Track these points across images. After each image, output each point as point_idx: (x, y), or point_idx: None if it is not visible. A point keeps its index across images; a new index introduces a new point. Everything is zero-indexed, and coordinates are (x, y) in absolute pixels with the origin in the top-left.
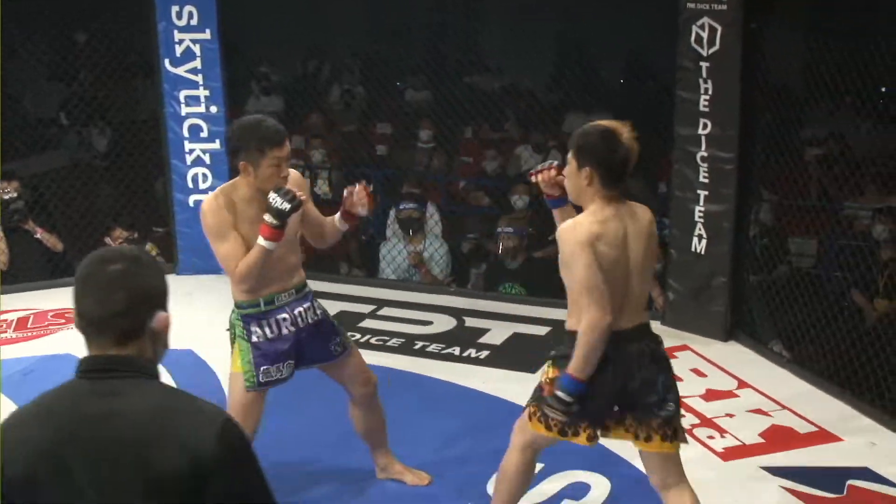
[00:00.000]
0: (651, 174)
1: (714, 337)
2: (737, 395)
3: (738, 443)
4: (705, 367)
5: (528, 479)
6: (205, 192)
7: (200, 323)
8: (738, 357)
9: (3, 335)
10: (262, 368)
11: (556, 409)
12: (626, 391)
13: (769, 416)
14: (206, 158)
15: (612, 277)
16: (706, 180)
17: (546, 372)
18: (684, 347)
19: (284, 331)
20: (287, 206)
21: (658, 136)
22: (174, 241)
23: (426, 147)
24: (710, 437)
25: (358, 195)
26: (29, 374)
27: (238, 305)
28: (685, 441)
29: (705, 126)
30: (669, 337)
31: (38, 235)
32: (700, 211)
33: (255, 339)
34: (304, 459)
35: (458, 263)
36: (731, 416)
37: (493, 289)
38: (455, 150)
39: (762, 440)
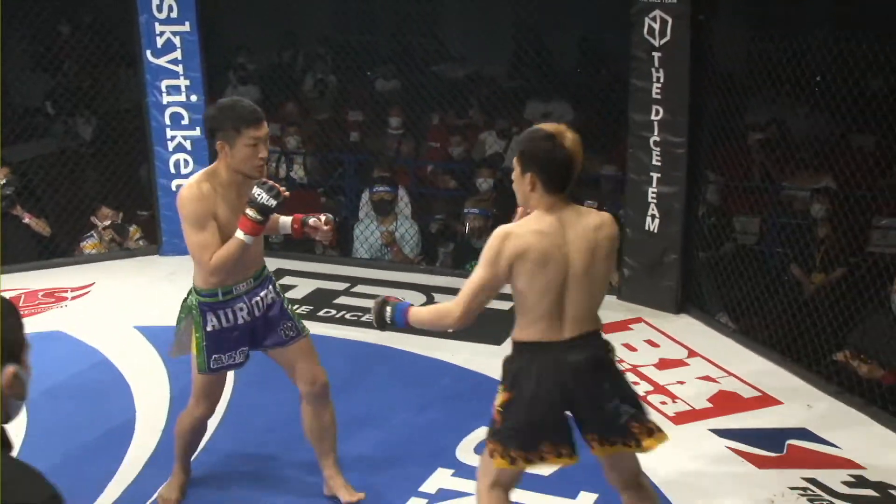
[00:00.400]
0: (609, 158)
1: (666, 310)
2: (687, 364)
3: (689, 407)
4: (658, 338)
5: None
6: (186, 176)
7: (182, 298)
8: (688, 328)
9: None
10: (213, 357)
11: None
12: (571, 401)
13: (716, 382)
14: (188, 145)
15: (539, 290)
16: (658, 163)
17: (496, 399)
18: (639, 320)
19: (240, 320)
20: (273, 202)
21: (614, 121)
22: (158, 223)
23: (396, 133)
24: (663, 403)
25: (323, 233)
26: None
27: (197, 291)
28: (665, 436)
29: (657, 112)
30: (625, 311)
31: (26, 220)
32: (653, 192)
33: (209, 328)
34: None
35: (427, 243)
36: (681, 382)
37: (460, 267)
38: (423, 136)
39: (710, 405)
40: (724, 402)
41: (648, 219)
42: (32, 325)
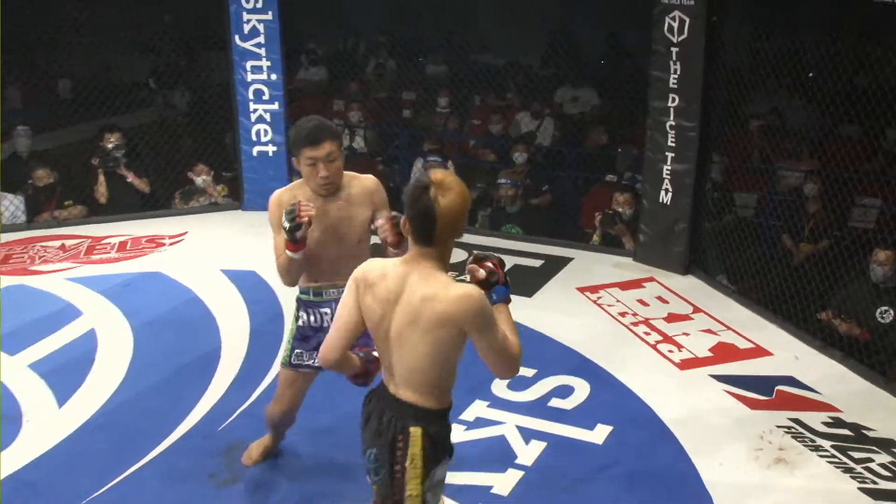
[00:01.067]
0: (628, 139)
1: (675, 271)
2: (692, 318)
3: (692, 356)
4: (668, 295)
5: None
6: (265, 144)
7: (261, 249)
8: (693, 288)
9: (108, 255)
10: (296, 351)
11: None
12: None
13: (716, 335)
14: (267, 117)
15: (374, 333)
16: (673, 144)
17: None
18: (651, 279)
19: (325, 324)
20: (287, 224)
21: (634, 107)
22: (241, 182)
23: (443, 112)
24: (670, 351)
25: (381, 229)
26: (128, 286)
27: (299, 286)
28: None
29: (674, 100)
30: (639, 271)
31: (130, 179)
32: (667, 169)
33: (300, 322)
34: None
35: (475, 206)
36: (686, 334)
37: (496, 228)
38: (467, 115)
39: (711, 354)
40: (723, 352)
41: (662, 192)
42: (137, 266)
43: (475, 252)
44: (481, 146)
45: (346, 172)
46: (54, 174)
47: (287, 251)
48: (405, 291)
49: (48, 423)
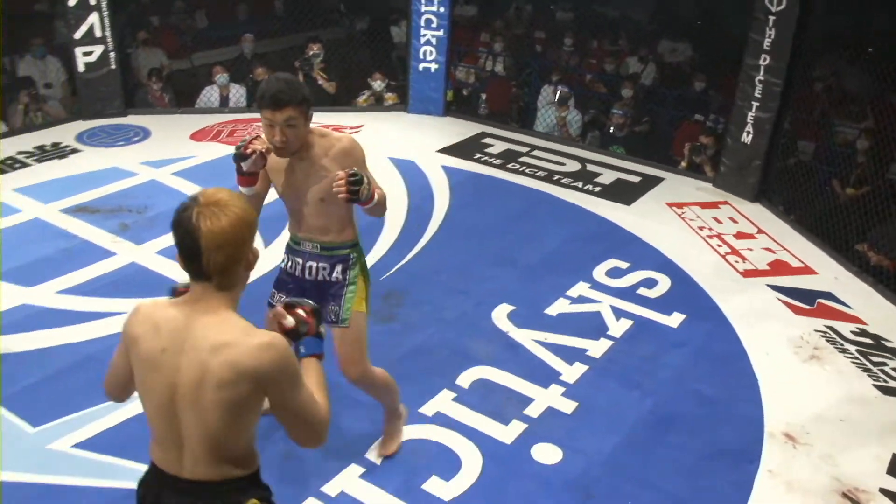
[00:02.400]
0: (718, 87)
1: (746, 199)
2: (755, 238)
3: (753, 267)
4: (738, 217)
5: None
6: (430, 62)
7: (421, 143)
8: (760, 213)
9: None
10: (272, 290)
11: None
12: None
13: (774, 252)
14: (433, 41)
15: (149, 402)
16: (759, 96)
17: None
18: (726, 203)
19: (295, 273)
20: (235, 152)
21: (723, 60)
22: (407, 91)
23: (568, 49)
24: (736, 262)
25: (335, 183)
26: None
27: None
28: None
29: (765, 59)
30: (717, 195)
31: (320, 82)
32: (752, 116)
33: (281, 265)
34: None
35: (585, 128)
36: (750, 250)
37: (605, 147)
38: (586, 54)
39: (768, 267)
40: (778, 267)
41: (745, 133)
42: None
43: (284, 299)
44: (596, 80)
45: (323, 131)
46: (269, 71)
47: (238, 184)
48: (187, 341)
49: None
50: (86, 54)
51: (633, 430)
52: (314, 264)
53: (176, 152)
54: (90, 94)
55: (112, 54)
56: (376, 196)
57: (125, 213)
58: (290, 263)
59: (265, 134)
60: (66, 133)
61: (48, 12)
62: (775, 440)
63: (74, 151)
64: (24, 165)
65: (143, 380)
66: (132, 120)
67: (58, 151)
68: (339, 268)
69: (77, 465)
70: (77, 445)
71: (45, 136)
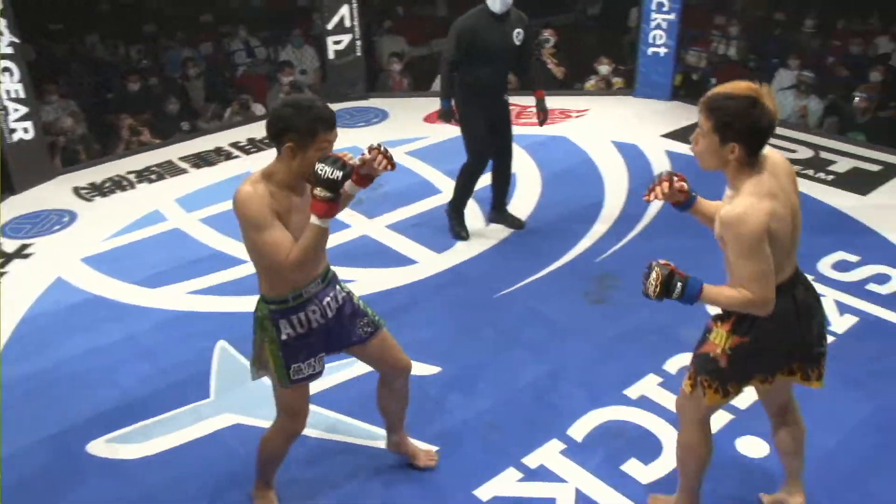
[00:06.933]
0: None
1: None
2: None
3: None
4: None
5: (711, 449)
6: (659, 46)
7: (646, 127)
8: None
9: (530, 120)
10: (292, 367)
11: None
12: (804, 342)
13: None
14: (664, 24)
15: (780, 244)
16: None
17: (715, 338)
18: None
19: (314, 324)
20: (339, 173)
21: None
22: (635, 74)
23: (808, 31)
24: None
25: (378, 161)
26: (542, 145)
27: (266, 300)
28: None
29: None
30: None
31: (549, 66)
32: None
33: (284, 337)
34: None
35: (824, 114)
36: None
37: (843, 133)
38: (828, 36)
39: None
40: None
41: None
42: (550, 131)
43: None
44: (839, 63)
45: None
46: None
47: (320, 220)
48: (783, 183)
49: (481, 236)
50: (336, 43)
51: (852, 433)
52: (328, 298)
53: (410, 133)
54: (337, 78)
55: (358, 42)
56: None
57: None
58: (298, 325)
59: (311, 162)
60: None
61: (308, 7)
62: None
63: None
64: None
65: (780, 236)
66: (373, 103)
67: None
68: (338, 287)
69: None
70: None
71: None
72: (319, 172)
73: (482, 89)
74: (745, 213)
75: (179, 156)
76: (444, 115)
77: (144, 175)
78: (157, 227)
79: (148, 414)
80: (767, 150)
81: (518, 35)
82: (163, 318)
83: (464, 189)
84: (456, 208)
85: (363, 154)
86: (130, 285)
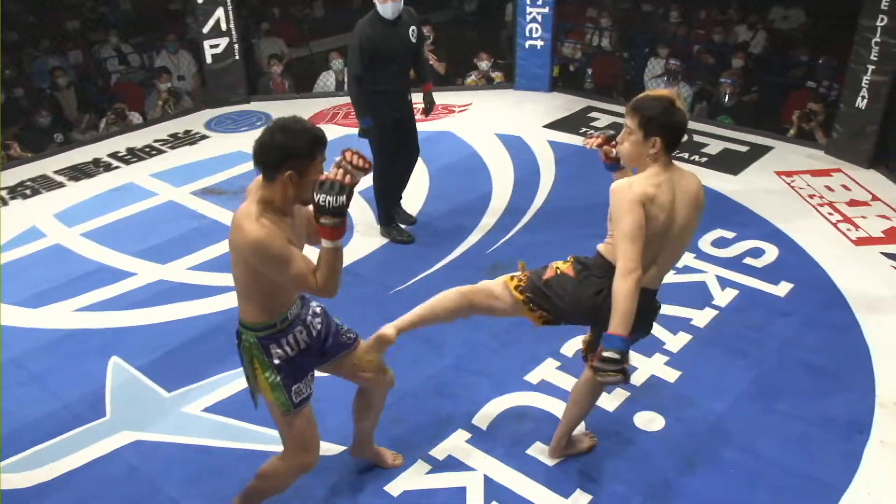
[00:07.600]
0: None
1: (860, 165)
2: (870, 205)
3: (867, 235)
4: (851, 184)
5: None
6: (535, 39)
7: (528, 118)
8: (875, 180)
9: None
10: (293, 389)
11: (608, 371)
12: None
13: (890, 220)
14: (539, 18)
15: (653, 235)
16: (875, 58)
17: (558, 266)
18: (838, 170)
19: (302, 344)
20: (343, 198)
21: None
22: (514, 68)
23: (675, 22)
24: (849, 230)
25: (356, 162)
26: (428, 140)
27: (251, 328)
28: None
29: (882, 20)
30: (829, 163)
31: (431, 61)
32: (867, 80)
33: (276, 361)
34: None
35: (694, 99)
36: (864, 217)
37: (713, 117)
38: (693, 25)
39: (883, 235)
40: (894, 235)
41: (859, 98)
42: (435, 126)
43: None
44: (704, 51)
45: None
46: None
47: (332, 244)
48: (677, 191)
49: (371, 234)
50: (212, 47)
51: (738, 400)
52: (308, 316)
53: None
54: (217, 83)
55: (236, 46)
56: None
57: None
58: (288, 347)
59: (308, 185)
60: (195, 121)
61: (181, 11)
62: (887, 410)
63: (204, 138)
64: (160, 152)
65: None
66: (255, 106)
67: (189, 138)
68: (313, 304)
69: (206, 427)
70: (207, 409)
71: (178, 125)
72: (323, 204)
73: (389, 94)
74: (629, 183)
75: (54, 169)
76: (366, 134)
77: (18, 191)
78: (35, 245)
79: (40, 439)
80: (687, 169)
81: (413, 33)
82: (49, 339)
83: (385, 198)
84: (387, 216)
85: (340, 162)
86: (10, 307)
